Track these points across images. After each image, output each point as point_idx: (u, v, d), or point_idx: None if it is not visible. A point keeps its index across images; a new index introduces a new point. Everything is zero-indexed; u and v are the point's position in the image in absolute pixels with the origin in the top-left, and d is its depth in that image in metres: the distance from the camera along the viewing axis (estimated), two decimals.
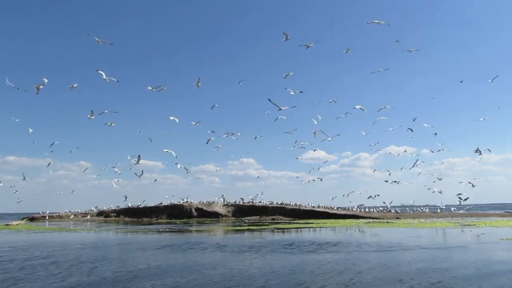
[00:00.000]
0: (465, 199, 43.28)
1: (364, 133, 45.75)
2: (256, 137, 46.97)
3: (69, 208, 68.08)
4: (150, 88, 30.05)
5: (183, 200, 63.51)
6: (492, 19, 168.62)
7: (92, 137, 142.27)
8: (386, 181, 48.41)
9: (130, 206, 63.64)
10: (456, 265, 13.77)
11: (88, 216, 64.43)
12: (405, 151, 52.74)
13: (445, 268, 13.12)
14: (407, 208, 68.75)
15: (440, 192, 45.80)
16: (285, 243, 22.30)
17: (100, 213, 65.90)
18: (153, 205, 64.01)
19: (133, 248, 21.24)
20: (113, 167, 40.71)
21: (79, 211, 66.70)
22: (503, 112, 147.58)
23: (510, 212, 59.22)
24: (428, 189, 46.86)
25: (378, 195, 52.69)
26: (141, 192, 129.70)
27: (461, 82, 29.91)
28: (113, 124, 30.27)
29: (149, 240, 26.70)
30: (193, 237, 28.30)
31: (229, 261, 15.85)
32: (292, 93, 31.75)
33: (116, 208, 65.50)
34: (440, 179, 46.42)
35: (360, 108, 29.58)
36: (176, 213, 60.96)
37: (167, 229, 37.64)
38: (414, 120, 39.74)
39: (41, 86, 24.28)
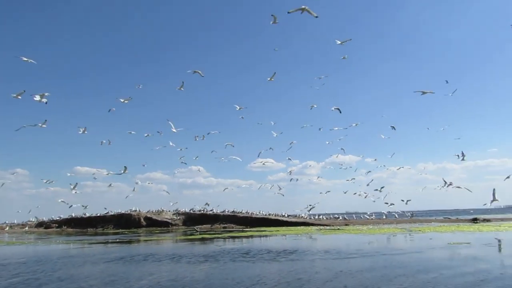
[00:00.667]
0: (407, 201, 47.62)
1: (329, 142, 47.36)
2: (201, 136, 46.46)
3: (2, 219, 63.42)
4: (122, 101, 30.03)
5: (131, 209, 61.09)
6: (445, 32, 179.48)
7: (30, 143, 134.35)
8: (329, 191, 50.64)
9: (73, 216, 60.11)
10: (421, 270, 14.00)
11: (27, 228, 60.13)
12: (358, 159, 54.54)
13: (411, 273, 13.29)
14: (354, 215, 70.82)
15: (391, 204, 48.33)
16: (242, 251, 21.85)
17: (40, 224, 61.76)
18: (98, 214, 60.93)
19: (81, 262, 19.77)
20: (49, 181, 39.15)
21: (15, 221, 62.07)
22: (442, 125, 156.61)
23: (449, 218, 62.51)
24: (365, 197, 49.53)
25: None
26: (84, 201, 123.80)
27: (446, 82, 30.92)
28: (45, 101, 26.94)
29: (98, 252, 25.15)
30: (145, 248, 27.09)
31: (189, 272, 15.13)
32: (238, 108, 35.98)
33: (58, 218, 61.60)
34: (380, 191, 48.70)
35: (337, 109, 30.00)
36: (124, 222, 58.48)
37: (117, 240, 35.86)
38: (356, 125, 42.09)
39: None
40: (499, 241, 25.40)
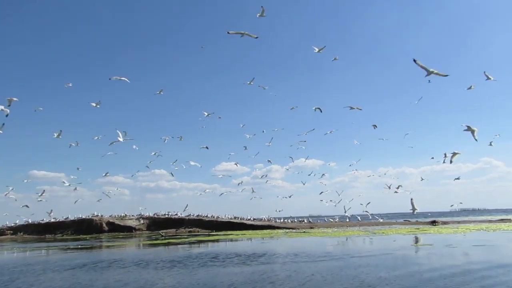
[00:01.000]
0: (367, 204, 50.57)
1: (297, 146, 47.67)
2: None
3: None
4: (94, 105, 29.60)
5: (93, 214, 59.05)
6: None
7: None
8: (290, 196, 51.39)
9: (30, 222, 57.33)
10: (391, 269, 14.25)
11: None
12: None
13: (381, 274, 13.51)
14: (318, 219, 71.75)
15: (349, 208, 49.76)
16: (211, 256, 21.52)
17: None
18: (57, 219, 58.41)
19: (41, 270, 18.77)
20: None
21: None
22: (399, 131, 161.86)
23: (409, 221, 64.42)
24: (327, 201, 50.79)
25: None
26: (41, 206, 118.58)
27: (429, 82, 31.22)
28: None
29: (59, 259, 24.09)
30: (108, 254, 26.19)
31: (158, 279, 14.70)
32: (206, 114, 37.31)
33: (13, 224, 58.51)
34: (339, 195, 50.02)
35: (318, 108, 30.24)
36: (85, 228, 56.28)
37: (79, 246, 34.56)
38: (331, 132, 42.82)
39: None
40: (459, 242, 26.31)
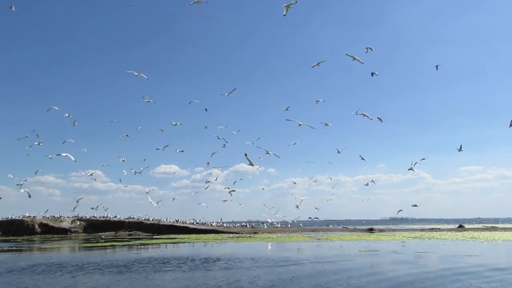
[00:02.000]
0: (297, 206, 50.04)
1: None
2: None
3: None
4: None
5: (24, 215, 55.06)
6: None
7: None
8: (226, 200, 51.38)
9: None
10: (353, 276, 14.68)
11: None
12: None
13: (347, 278, 13.89)
14: (260, 224, 72.32)
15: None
16: (161, 260, 20.72)
17: None
18: None
19: None
20: None
21: None
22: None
23: (347, 228, 66.94)
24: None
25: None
26: None
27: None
28: None
29: None
30: (44, 257, 24.30)
31: (114, 284, 14.02)
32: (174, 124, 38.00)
33: None
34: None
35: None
36: (15, 229, 52.39)
37: (5, 248, 32.07)
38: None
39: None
40: (402, 249, 27.63)
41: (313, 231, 58.57)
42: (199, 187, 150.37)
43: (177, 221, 59.08)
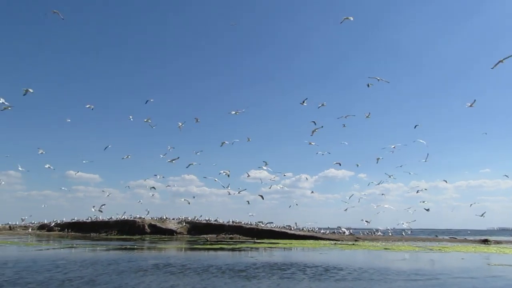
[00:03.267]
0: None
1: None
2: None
3: None
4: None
5: (135, 216, 59.82)
6: None
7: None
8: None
9: (76, 220, 58.61)
10: None
11: (30, 230, 58.55)
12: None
13: None
14: (351, 231, 70.05)
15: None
16: (279, 266, 20.24)
17: (42, 227, 60.25)
18: (101, 219, 59.34)
19: (122, 269, 18.47)
20: None
21: (17, 223, 60.40)
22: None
23: (455, 238, 61.97)
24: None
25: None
26: (75, 205, 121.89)
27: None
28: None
29: (131, 258, 23.68)
30: (169, 256, 25.72)
31: None
32: (233, 112, 35.97)
33: (61, 222, 59.96)
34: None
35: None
36: (128, 229, 57.09)
37: (127, 246, 34.83)
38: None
39: None
40: None
41: (417, 240, 55.26)
42: (288, 192, 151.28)
43: (266, 224, 59.67)
